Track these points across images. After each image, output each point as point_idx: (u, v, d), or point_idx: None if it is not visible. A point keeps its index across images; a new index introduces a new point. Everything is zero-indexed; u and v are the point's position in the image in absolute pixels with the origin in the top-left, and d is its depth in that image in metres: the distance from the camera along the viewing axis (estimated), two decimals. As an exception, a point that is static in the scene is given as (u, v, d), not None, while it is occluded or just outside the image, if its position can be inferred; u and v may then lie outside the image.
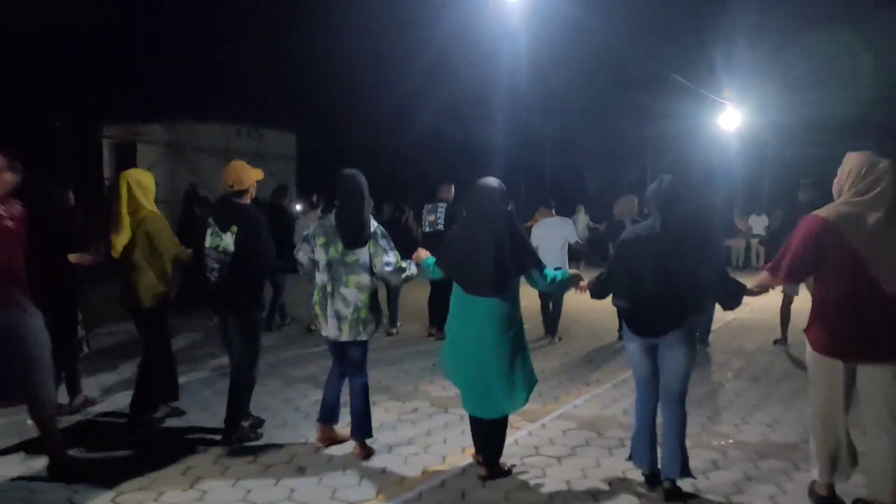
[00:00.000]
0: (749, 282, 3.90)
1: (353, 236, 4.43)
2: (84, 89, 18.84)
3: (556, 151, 23.97)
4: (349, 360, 4.62)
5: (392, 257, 4.47)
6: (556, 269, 8.01)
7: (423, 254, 4.57)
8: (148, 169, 19.61)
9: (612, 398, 6.01)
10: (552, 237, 8.10)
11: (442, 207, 8.43)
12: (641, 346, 3.88)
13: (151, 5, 20.30)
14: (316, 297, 4.60)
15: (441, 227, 8.34)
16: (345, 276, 4.44)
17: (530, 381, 4.13)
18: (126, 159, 22.16)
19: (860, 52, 13.89)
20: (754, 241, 15.56)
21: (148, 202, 4.97)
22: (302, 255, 4.65)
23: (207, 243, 4.69)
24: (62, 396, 5.40)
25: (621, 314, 4.14)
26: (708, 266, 3.72)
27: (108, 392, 6.04)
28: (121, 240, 4.85)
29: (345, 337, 4.49)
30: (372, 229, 4.46)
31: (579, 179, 26.59)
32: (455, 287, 4.17)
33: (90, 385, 6.02)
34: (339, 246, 4.46)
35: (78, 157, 18.65)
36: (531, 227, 12.39)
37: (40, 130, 18.23)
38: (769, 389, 6.30)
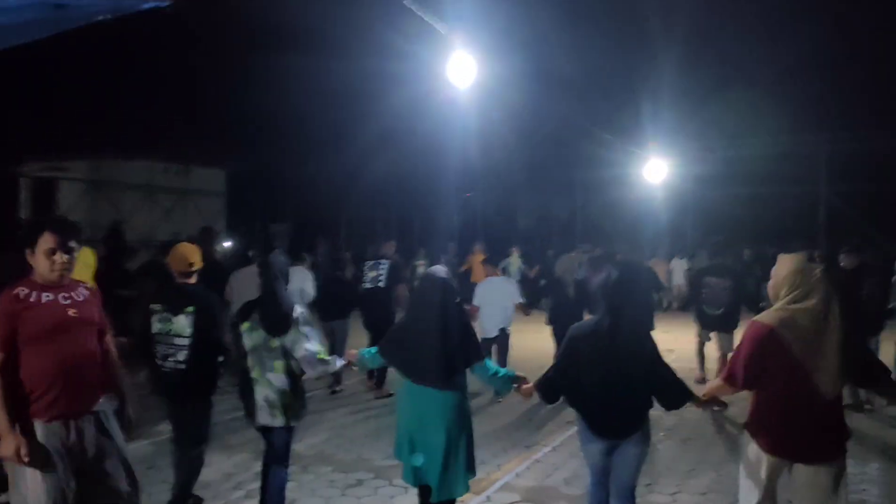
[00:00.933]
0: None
1: (275, 324, 4.35)
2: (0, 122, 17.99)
3: (487, 187, 24.33)
4: (271, 448, 4.51)
5: (313, 346, 4.37)
6: (501, 329, 8.24)
7: (353, 354, 4.50)
8: (69, 208, 18.79)
9: (553, 464, 6.11)
10: (496, 298, 8.20)
11: (384, 265, 8.44)
12: (601, 447, 3.90)
13: (79, 37, 19.63)
14: (240, 382, 4.49)
15: (382, 283, 8.35)
16: (271, 361, 4.35)
17: (473, 467, 4.11)
18: (46, 198, 21.27)
19: (772, 110, 14.91)
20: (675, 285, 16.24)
21: (88, 278, 4.92)
22: (231, 341, 4.55)
23: (155, 329, 4.54)
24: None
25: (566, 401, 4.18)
26: (658, 365, 3.79)
27: None
28: None
29: (275, 423, 4.38)
30: (295, 315, 4.38)
31: (510, 215, 27.04)
32: (402, 376, 4.12)
33: None
34: (262, 331, 4.37)
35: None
36: (466, 270, 12.51)
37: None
38: (701, 453, 6.50)
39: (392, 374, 8.05)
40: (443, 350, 3.90)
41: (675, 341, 9.84)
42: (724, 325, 8.25)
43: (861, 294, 7.59)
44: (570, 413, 7.37)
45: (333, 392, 8.51)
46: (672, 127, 15.17)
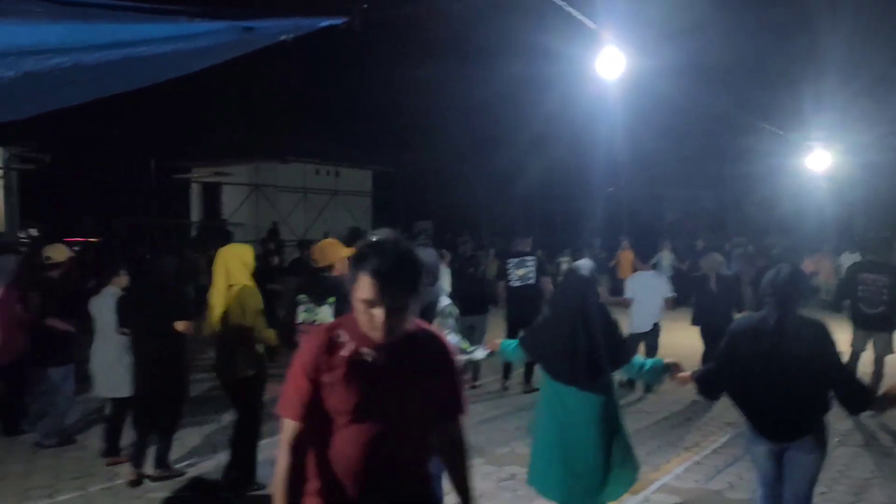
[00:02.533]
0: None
1: (421, 317, 4.41)
2: (173, 132, 19.82)
3: (634, 179, 23.63)
4: None
5: (455, 336, 4.36)
6: (654, 324, 8.06)
7: (495, 343, 4.47)
8: (234, 211, 20.38)
9: (715, 467, 5.85)
10: (647, 293, 8.05)
11: (531, 262, 8.43)
12: (769, 450, 3.66)
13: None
14: None
15: (532, 281, 8.34)
16: None
17: (634, 466, 3.95)
18: (212, 200, 23.13)
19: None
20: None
21: (244, 276, 5.07)
22: None
23: (300, 319, 4.74)
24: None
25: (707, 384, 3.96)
26: (832, 365, 3.52)
27: (195, 453, 6.20)
28: (217, 312, 5.01)
29: None
30: (440, 307, 4.38)
31: (656, 209, 26.14)
32: (544, 374, 4.03)
33: (179, 447, 6.11)
34: None
35: (167, 199, 19.55)
36: (615, 265, 12.18)
37: (136, 173, 19.24)
38: (878, 461, 6.01)
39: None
40: (585, 350, 3.78)
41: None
42: (882, 325, 7.51)
43: None
44: (732, 414, 7.05)
45: (472, 388, 8.63)
46: (838, 113, 13.99)
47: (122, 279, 5.87)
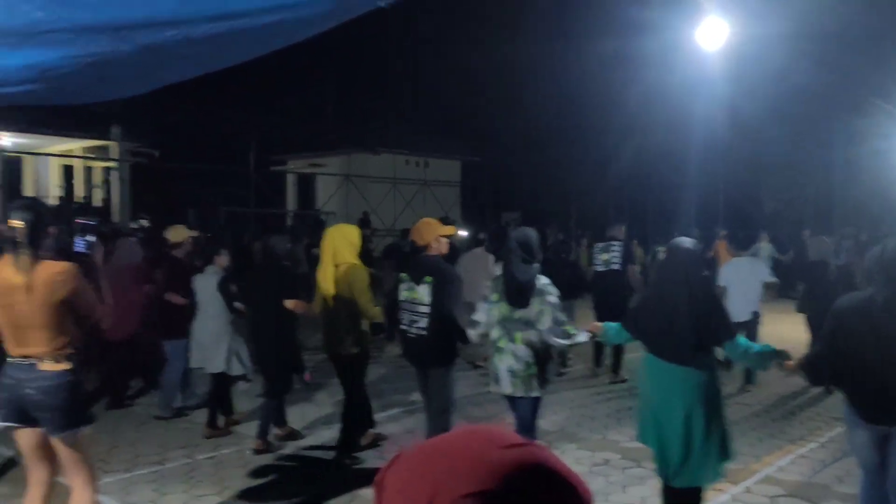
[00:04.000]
0: None
1: (518, 295, 4.41)
2: (271, 124, 20.49)
3: (732, 164, 22.56)
4: (518, 417, 4.59)
5: (560, 317, 4.38)
6: (753, 312, 7.67)
7: (597, 326, 4.45)
8: (327, 201, 20.91)
9: (821, 460, 5.54)
10: (744, 279, 7.64)
11: (616, 247, 8.26)
12: (871, 435, 3.44)
13: (328, 46, 21.71)
14: (491, 353, 4.62)
15: (617, 266, 8.16)
16: (514, 332, 4.43)
17: (726, 454, 3.84)
18: (307, 190, 23.83)
19: None
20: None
21: (351, 255, 5.19)
22: (481, 315, 4.65)
23: (402, 297, 4.86)
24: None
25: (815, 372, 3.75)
26: None
27: (311, 426, 6.44)
28: (326, 289, 5.14)
29: (518, 392, 4.48)
30: (539, 286, 4.40)
31: (755, 197, 24.97)
32: (645, 352, 3.97)
33: (295, 417, 6.44)
34: (506, 303, 4.46)
35: (265, 190, 20.27)
36: (713, 257, 11.76)
37: (236, 166, 20.05)
38: None
39: (627, 359, 7.90)
40: (688, 324, 3.68)
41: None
42: None
43: None
44: (838, 409, 6.67)
45: (559, 374, 8.53)
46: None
47: (223, 259, 6.18)
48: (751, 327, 7.66)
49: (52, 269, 3.33)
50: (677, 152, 17.87)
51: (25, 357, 3.36)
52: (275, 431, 5.89)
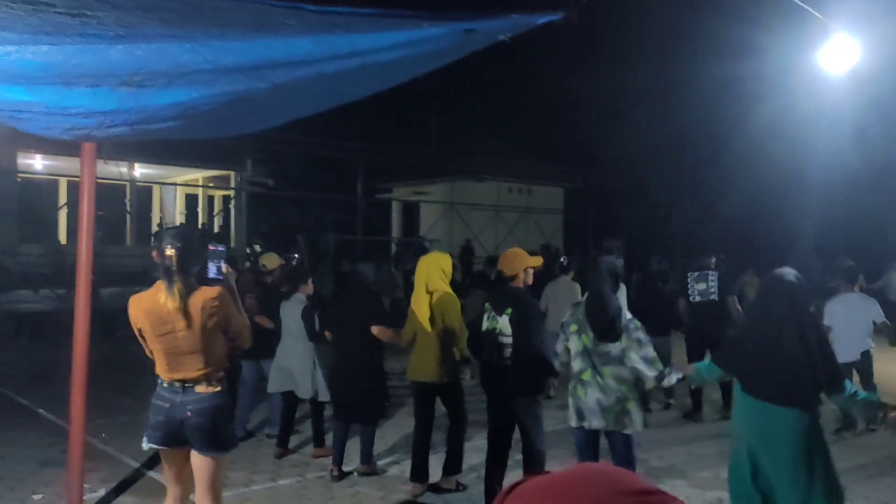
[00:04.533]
0: None
1: (603, 329, 4.28)
2: (378, 152, 21.12)
3: (855, 192, 21.08)
4: (614, 454, 4.41)
5: (648, 353, 4.21)
6: (863, 352, 7.13)
7: (691, 367, 4.28)
8: (430, 228, 21.27)
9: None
10: (853, 317, 7.01)
11: (713, 276, 7.83)
12: None
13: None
14: (571, 385, 4.49)
15: (715, 296, 7.75)
16: (600, 366, 4.29)
17: (837, 501, 3.52)
18: (411, 218, 24.33)
19: None
20: None
21: (444, 283, 5.24)
22: (559, 346, 4.56)
23: (484, 327, 4.81)
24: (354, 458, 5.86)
25: None
26: None
27: (394, 450, 6.49)
28: (419, 317, 5.19)
29: (610, 426, 4.31)
30: (624, 321, 4.26)
31: (881, 225, 23.23)
32: (739, 388, 3.72)
33: (382, 446, 6.46)
34: (591, 335, 4.34)
35: (372, 217, 20.86)
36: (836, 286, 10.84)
37: (344, 192, 20.78)
38: None
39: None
40: (794, 362, 3.45)
41: None
42: None
43: None
44: None
45: (667, 406, 8.21)
46: None
47: (308, 287, 6.35)
48: (864, 367, 7.06)
49: (207, 295, 3.44)
50: (796, 181, 16.93)
51: (182, 381, 3.46)
52: (358, 467, 5.78)
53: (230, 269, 3.73)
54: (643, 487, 0.77)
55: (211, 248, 3.67)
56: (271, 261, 7.08)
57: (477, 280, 11.69)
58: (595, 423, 4.34)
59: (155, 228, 19.95)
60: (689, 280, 7.91)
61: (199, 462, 3.52)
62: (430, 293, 5.18)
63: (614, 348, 4.27)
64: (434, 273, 5.22)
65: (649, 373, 4.20)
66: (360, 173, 19.89)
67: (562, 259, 9.50)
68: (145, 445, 3.58)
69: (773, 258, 17.51)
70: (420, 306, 5.19)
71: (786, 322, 3.54)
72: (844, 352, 7.00)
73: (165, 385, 3.50)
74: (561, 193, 26.08)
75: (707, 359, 4.27)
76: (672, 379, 4.26)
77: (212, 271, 3.62)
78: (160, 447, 3.56)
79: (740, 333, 3.97)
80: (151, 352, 3.57)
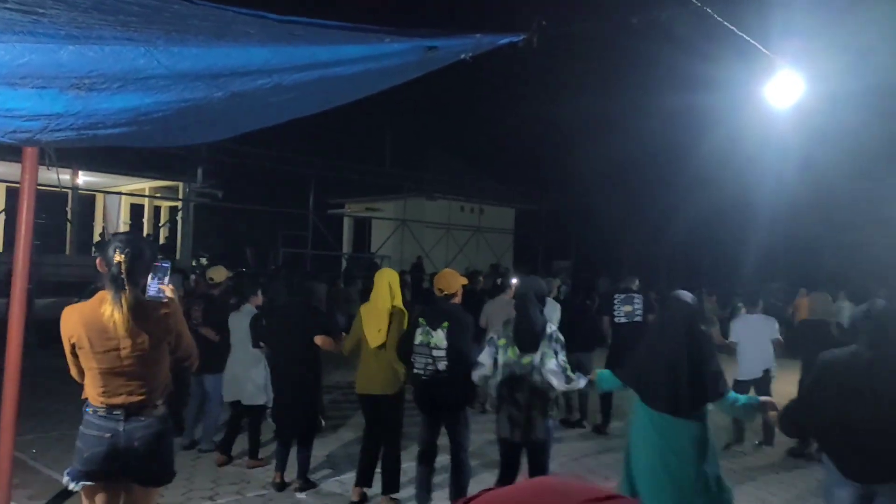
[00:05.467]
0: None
1: (527, 343, 4.52)
2: (330, 167, 20.98)
3: (793, 220, 21.83)
4: (530, 464, 4.59)
5: (560, 360, 4.46)
6: (765, 370, 7.46)
7: (595, 372, 4.60)
8: (381, 245, 21.17)
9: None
10: (755, 336, 7.41)
11: (639, 299, 8.21)
12: (853, 494, 3.35)
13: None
14: (497, 397, 4.69)
15: (640, 318, 8.08)
16: (520, 378, 4.50)
17: (730, 495, 3.84)
18: (362, 234, 24.19)
19: None
20: None
21: (394, 298, 5.35)
22: (485, 357, 4.72)
23: (417, 341, 4.96)
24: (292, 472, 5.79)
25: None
26: None
27: (335, 466, 6.42)
28: (375, 329, 5.21)
29: (517, 438, 4.51)
30: (547, 332, 4.52)
31: (815, 252, 24.14)
32: (639, 401, 3.98)
33: (318, 458, 6.36)
34: (516, 349, 4.56)
35: (322, 232, 20.66)
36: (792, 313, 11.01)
37: (295, 206, 20.55)
38: None
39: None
40: (688, 378, 3.76)
41: None
42: None
43: None
44: None
45: (575, 423, 8.36)
46: None
47: (258, 299, 6.50)
48: (762, 385, 7.38)
49: (158, 309, 3.10)
50: (741, 209, 17.49)
51: (123, 406, 3.07)
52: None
53: (173, 288, 3.29)
54: (599, 495, 0.78)
55: (155, 263, 3.24)
56: (219, 274, 7.11)
57: (425, 297, 11.75)
58: (511, 433, 4.54)
59: (97, 238, 19.34)
60: (615, 302, 8.25)
61: (136, 496, 3.18)
62: (382, 307, 5.25)
63: (535, 359, 4.48)
64: (396, 287, 5.36)
65: (560, 379, 4.44)
66: (312, 188, 19.69)
67: (498, 280, 10.23)
68: (73, 486, 3.11)
69: (717, 281, 18.03)
70: (378, 319, 5.23)
71: (681, 340, 3.84)
72: (747, 369, 7.43)
73: (102, 412, 3.07)
74: (512, 214, 26.35)
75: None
76: (580, 383, 4.54)
77: (152, 289, 3.16)
78: (90, 484, 3.10)
79: (640, 348, 4.20)
80: (81, 372, 3.14)
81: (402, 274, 15.83)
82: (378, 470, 5.42)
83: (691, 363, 3.78)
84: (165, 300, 3.16)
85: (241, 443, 6.49)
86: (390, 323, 5.19)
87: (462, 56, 2.94)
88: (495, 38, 2.83)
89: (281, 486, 5.65)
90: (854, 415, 3.32)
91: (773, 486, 6.28)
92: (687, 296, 4.03)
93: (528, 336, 4.52)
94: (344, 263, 21.67)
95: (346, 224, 24.87)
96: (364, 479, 5.41)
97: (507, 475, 4.68)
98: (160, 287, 3.17)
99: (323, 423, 6.14)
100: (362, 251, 23.82)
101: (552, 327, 4.58)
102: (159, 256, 3.69)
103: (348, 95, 3.43)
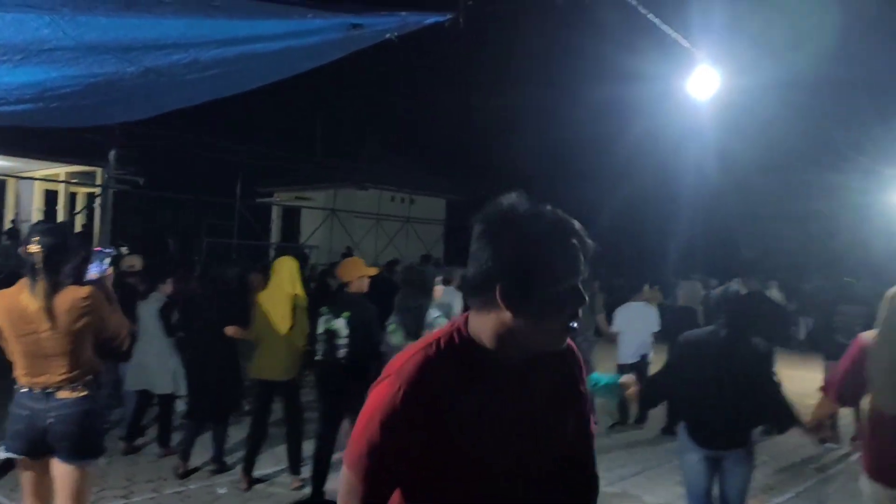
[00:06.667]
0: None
1: (410, 330, 4.74)
2: (259, 155, 20.51)
3: (713, 213, 22.75)
4: None
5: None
6: (642, 356, 7.82)
7: None
8: (311, 235, 20.80)
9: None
10: (634, 324, 7.80)
11: None
12: (703, 458, 3.77)
13: (318, 80, 21.92)
14: None
15: None
16: None
17: None
18: (292, 223, 23.75)
19: None
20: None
21: (294, 285, 5.48)
22: (384, 345, 4.96)
23: (321, 329, 5.07)
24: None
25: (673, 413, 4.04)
26: (767, 385, 3.67)
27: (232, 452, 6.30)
28: (277, 315, 5.35)
29: None
30: (430, 319, 4.71)
31: (733, 246, 25.21)
32: None
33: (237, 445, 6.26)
34: (401, 334, 4.81)
35: (250, 222, 20.20)
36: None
37: (221, 195, 20.00)
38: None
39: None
40: None
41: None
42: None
43: None
44: (821, 460, 6.74)
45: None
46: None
47: (168, 287, 6.43)
48: (640, 370, 7.73)
49: (76, 295, 3.23)
50: (665, 199, 18.06)
51: (43, 386, 3.24)
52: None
53: (111, 272, 3.53)
54: None
55: (97, 249, 3.49)
56: (137, 262, 7.13)
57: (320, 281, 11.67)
58: None
59: (8, 225, 18.32)
60: None
61: (62, 472, 3.26)
62: (282, 294, 5.39)
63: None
64: (296, 274, 5.50)
65: None
66: (239, 175, 19.18)
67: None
68: (1, 454, 3.33)
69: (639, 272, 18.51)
70: (280, 305, 5.36)
71: None
72: (626, 354, 7.84)
73: (25, 390, 3.26)
74: (443, 204, 26.38)
75: None
76: None
77: (93, 269, 3.40)
78: (19, 456, 3.31)
79: None
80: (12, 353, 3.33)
81: (332, 266, 15.67)
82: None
83: None
84: (93, 284, 3.35)
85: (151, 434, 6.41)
86: (294, 309, 5.35)
87: (387, 35, 2.90)
88: (422, 17, 2.79)
89: (183, 475, 5.65)
90: (706, 388, 3.67)
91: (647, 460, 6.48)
92: None
93: (410, 323, 4.74)
94: (272, 253, 21.23)
95: (275, 213, 24.38)
96: (250, 468, 5.53)
97: None
98: (104, 269, 3.44)
99: (247, 407, 6.19)
100: (291, 241, 23.41)
101: (434, 314, 4.72)
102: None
103: (271, 75, 3.32)
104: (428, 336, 1.54)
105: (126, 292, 6.73)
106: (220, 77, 3.19)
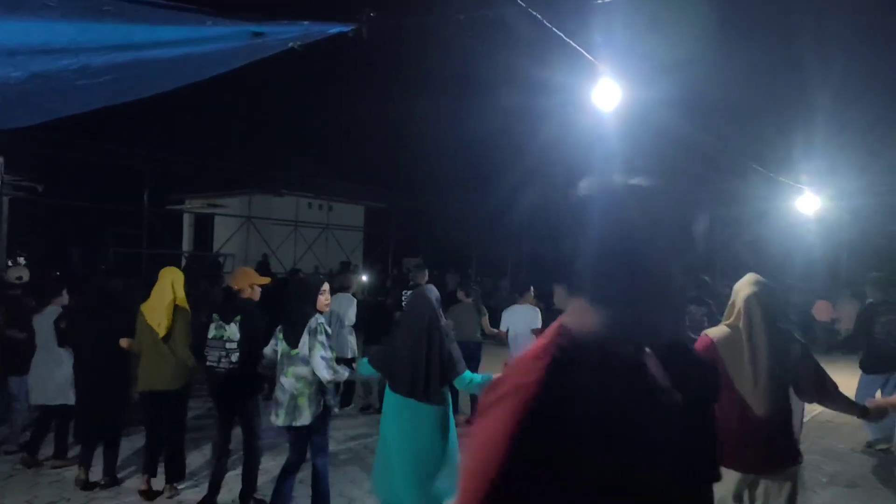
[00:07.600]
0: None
1: (291, 336, 4.80)
2: (167, 163, 19.83)
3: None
4: (291, 447, 4.88)
5: (328, 353, 4.69)
6: None
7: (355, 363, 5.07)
8: (225, 242, 20.26)
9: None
10: (519, 324, 8.23)
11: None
12: None
13: (231, 86, 21.42)
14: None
15: None
16: (287, 367, 4.73)
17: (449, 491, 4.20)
18: (204, 232, 23.04)
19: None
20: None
21: (178, 295, 5.55)
22: (268, 349, 5.00)
23: (211, 335, 5.16)
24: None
25: None
26: None
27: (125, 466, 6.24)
28: (159, 326, 5.40)
29: (285, 423, 4.70)
30: (314, 325, 4.74)
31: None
32: (388, 387, 4.41)
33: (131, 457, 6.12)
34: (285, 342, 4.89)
35: (159, 230, 19.47)
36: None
37: (128, 203, 19.21)
38: (867, 499, 5.95)
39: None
40: (424, 365, 4.19)
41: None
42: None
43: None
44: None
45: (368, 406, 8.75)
46: (828, 159, 14.23)
47: (63, 298, 6.46)
48: None
49: None
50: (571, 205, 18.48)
51: None
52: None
53: None
54: None
55: None
56: (24, 273, 7.11)
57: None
58: (278, 418, 4.74)
59: None
60: (403, 297, 8.77)
61: None
62: (166, 304, 5.44)
63: (302, 350, 4.72)
64: (179, 285, 5.56)
65: (325, 371, 4.65)
66: (146, 182, 18.46)
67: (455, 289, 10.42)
68: None
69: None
70: (160, 314, 5.41)
71: (421, 331, 4.27)
72: (515, 353, 8.16)
73: None
74: (362, 211, 26.24)
75: None
76: (343, 374, 4.83)
77: None
78: None
79: (390, 339, 4.60)
80: None
81: (256, 269, 15.37)
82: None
83: (430, 352, 4.22)
84: None
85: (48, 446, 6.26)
86: (174, 318, 5.42)
87: (290, 45, 2.87)
88: (325, 27, 2.78)
89: (85, 485, 5.62)
90: None
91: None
92: (431, 291, 4.44)
93: (290, 330, 4.79)
94: (184, 262, 20.54)
95: (186, 221, 23.61)
96: (152, 469, 5.59)
97: (292, 457, 4.85)
98: None
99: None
100: (204, 249, 22.71)
101: (317, 321, 4.75)
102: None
103: (170, 82, 3.23)
104: (533, 346, 1.35)
105: (15, 305, 6.63)
106: (114, 83, 3.07)
